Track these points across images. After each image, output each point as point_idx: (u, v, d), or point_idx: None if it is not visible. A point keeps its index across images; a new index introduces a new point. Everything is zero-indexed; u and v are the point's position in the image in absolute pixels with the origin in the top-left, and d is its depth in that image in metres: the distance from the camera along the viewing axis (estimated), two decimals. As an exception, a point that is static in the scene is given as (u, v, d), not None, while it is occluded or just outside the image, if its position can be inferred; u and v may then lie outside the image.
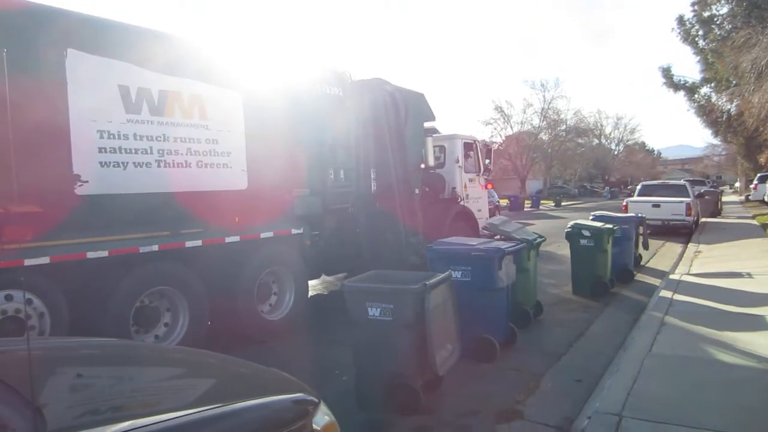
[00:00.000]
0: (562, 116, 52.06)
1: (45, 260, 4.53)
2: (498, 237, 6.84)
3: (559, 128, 52.09)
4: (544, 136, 51.65)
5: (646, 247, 10.93)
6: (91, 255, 4.82)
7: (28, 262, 4.43)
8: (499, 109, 49.65)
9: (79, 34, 4.87)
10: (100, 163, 4.90)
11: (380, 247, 8.11)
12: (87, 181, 4.80)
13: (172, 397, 2.31)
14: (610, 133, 67.93)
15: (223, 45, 6.49)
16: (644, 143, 75.78)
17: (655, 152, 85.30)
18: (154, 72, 5.30)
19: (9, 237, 4.40)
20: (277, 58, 7.02)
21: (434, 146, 10.06)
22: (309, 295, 7.50)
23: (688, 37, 24.05)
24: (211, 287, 5.85)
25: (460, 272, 5.51)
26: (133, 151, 5.12)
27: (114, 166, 4.98)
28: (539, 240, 7.01)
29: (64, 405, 2.00)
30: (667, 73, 27.72)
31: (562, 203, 42.63)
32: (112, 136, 4.96)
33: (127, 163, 5.08)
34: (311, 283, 7.94)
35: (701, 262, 11.26)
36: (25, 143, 4.44)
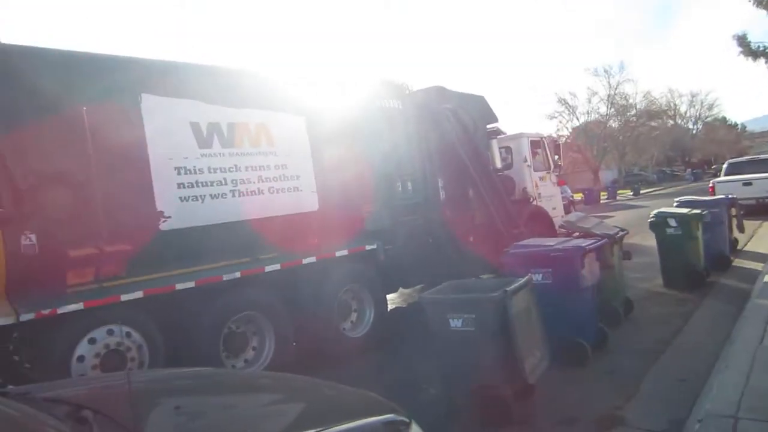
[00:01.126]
0: (630, 101, 49.75)
1: (139, 294, 4.77)
2: (577, 234, 6.59)
3: (628, 113, 49.78)
4: (614, 124, 49.50)
5: (741, 229, 10.17)
6: (179, 286, 5.04)
7: (124, 297, 4.69)
8: (563, 101, 48.15)
9: (151, 79, 5.16)
10: (180, 198, 5.14)
11: (455, 255, 8.01)
12: (170, 217, 5.04)
13: (265, 424, 2.34)
14: (685, 112, 64.18)
15: (284, 72, 6.67)
16: (725, 118, 70.92)
17: (739, 126, 79.72)
18: (221, 106, 5.51)
19: (106, 275, 4.69)
20: (334, 77, 7.14)
21: (500, 147, 9.87)
22: (389, 309, 7.50)
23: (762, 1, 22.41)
24: (293, 308, 5.97)
25: (541, 275, 5.32)
26: (209, 183, 5.33)
27: (192, 199, 5.21)
28: (621, 233, 6.68)
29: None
30: (743, 41, 25.84)
31: (641, 191, 40.53)
32: (188, 172, 5.20)
33: (204, 195, 5.29)
34: (390, 297, 7.95)
35: (806, 240, 10.36)
36: (113, 186, 4.73)
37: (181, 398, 2.56)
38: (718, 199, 10.12)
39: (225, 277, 5.36)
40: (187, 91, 5.32)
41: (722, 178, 17.39)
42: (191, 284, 5.11)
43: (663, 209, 8.50)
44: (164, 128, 5.10)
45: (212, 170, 5.36)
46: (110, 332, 4.69)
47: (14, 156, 4.31)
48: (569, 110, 48.40)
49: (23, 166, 4.34)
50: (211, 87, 5.52)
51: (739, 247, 10.63)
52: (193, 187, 5.22)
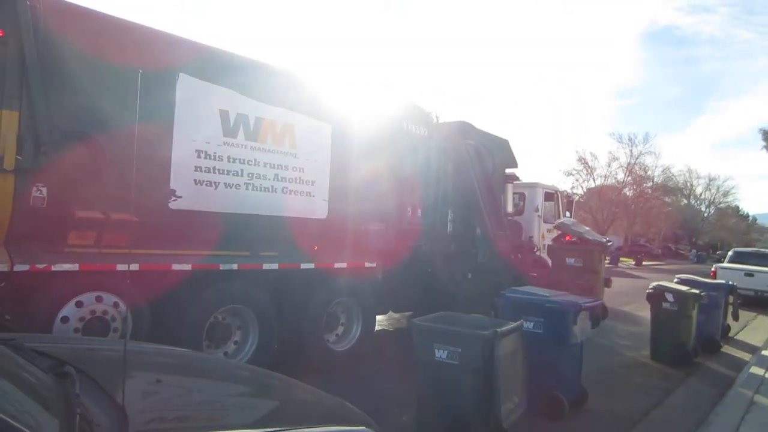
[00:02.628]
0: (649, 173, 50.05)
1: (135, 267, 4.78)
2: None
3: (645, 185, 50.00)
4: (629, 192, 49.71)
5: (735, 317, 10.12)
6: (176, 267, 5.05)
7: (120, 267, 4.70)
8: (583, 161, 48.46)
9: (191, 60, 5.25)
10: (195, 180, 5.19)
11: (452, 289, 8.01)
12: (181, 197, 5.08)
13: (235, 414, 2.35)
14: (700, 194, 64.52)
15: (319, 77, 6.77)
16: (738, 207, 71.13)
17: (750, 218, 79.77)
18: (254, 100, 5.60)
19: (106, 242, 4.71)
20: (368, 92, 7.24)
21: (514, 193, 9.94)
22: (375, 329, 7.48)
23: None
24: (281, 311, 5.96)
25: (533, 323, 5.33)
26: (226, 172, 5.38)
27: (207, 184, 5.26)
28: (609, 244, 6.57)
29: (138, 408, 2.08)
30: (767, 135, 26.14)
31: (644, 262, 40.53)
32: (208, 157, 5.26)
33: (219, 183, 5.34)
34: (378, 318, 7.93)
35: (799, 341, 10.30)
36: (132, 155, 4.77)
37: (164, 373, 2.57)
38: (718, 283, 10.12)
39: (222, 267, 5.38)
40: (223, 78, 5.40)
41: (726, 264, 17.38)
42: (187, 267, 5.13)
43: (662, 282, 8.51)
44: (194, 110, 5.17)
45: (231, 160, 5.42)
46: (99, 299, 4.68)
47: (41, 109, 4.36)
48: (588, 170, 48.69)
49: (49, 120, 4.39)
50: (247, 79, 5.61)
51: (730, 334, 10.59)
52: (209, 172, 5.27)
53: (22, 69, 4.28)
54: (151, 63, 4.93)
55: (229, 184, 5.41)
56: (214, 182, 5.31)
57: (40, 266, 4.33)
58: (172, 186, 5.03)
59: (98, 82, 4.66)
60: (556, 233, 11.42)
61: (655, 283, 8.43)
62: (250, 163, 5.57)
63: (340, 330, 6.81)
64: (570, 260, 9.73)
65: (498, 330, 4.08)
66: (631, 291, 17.79)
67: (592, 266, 5.61)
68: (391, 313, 8.99)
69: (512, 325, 4.40)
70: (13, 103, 4.26)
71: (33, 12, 4.33)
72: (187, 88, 5.11)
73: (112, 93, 4.70)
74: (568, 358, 5.41)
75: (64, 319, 4.49)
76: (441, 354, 4.19)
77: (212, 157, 5.28)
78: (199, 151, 5.20)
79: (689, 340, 8.02)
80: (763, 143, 26.31)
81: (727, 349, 9.47)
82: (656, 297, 8.15)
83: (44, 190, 4.38)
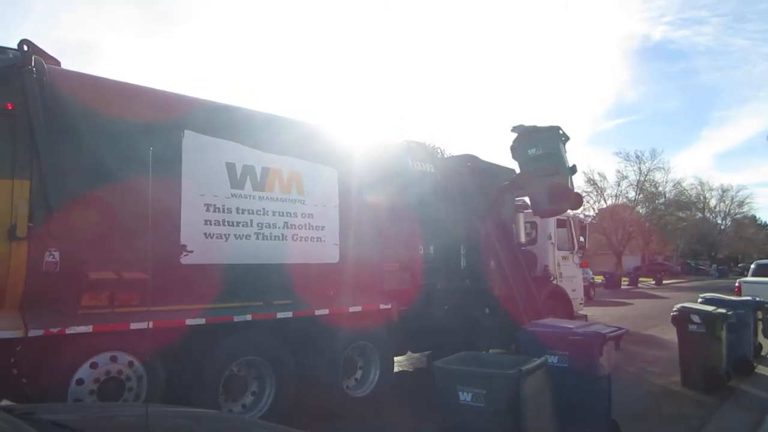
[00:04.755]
0: (660, 189, 49.70)
1: (148, 325, 4.73)
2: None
3: (657, 201, 49.58)
4: (641, 210, 49.28)
5: (766, 334, 9.84)
6: (189, 322, 5.01)
7: (133, 325, 4.67)
8: (592, 182, 48.28)
9: (195, 116, 5.33)
10: (205, 234, 5.19)
11: (470, 325, 7.88)
12: (192, 251, 5.08)
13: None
14: (715, 207, 63.68)
15: (323, 123, 6.84)
16: (755, 217, 70.02)
17: (768, 227, 78.50)
18: (259, 150, 5.65)
19: (120, 301, 4.70)
20: (372, 134, 7.29)
21: (526, 222, 9.85)
22: (395, 371, 7.33)
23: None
24: (297, 359, 5.87)
25: (557, 357, 5.17)
26: (235, 223, 5.39)
27: (217, 237, 5.26)
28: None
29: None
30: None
31: (664, 281, 39.81)
32: (217, 210, 5.27)
33: (229, 235, 5.34)
34: (397, 359, 7.78)
35: (834, 355, 9.93)
36: (142, 214, 4.79)
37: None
38: (745, 300, 9.83)
39: (236, 318, 5.32)
40: (228, 132, 5.47)
41: (749, 278, 16.94)
42: (201, 321, 5.09)
43: (686, 304, 8.27)
44: (201, 165, 5.22)
45: (240, 211, 5.43)
46: (113, 359, 4.65)
47: (51, 176, 4.43)
48: (597, 191, 48.46)
49: (59, 185, 4.46)
50: (252, 131, 5.69)
51: (763, 353, 10.24)
52: (219, 225, 5.28)
53: (31, 139, 4.38)
54: (156, 122, 5.02)
55: (239, 235, 5.41)
56: (224, 234, 5.30)
57: (55, 330, 4.32)
58: (183, 241, 5.03)
59: (105, 145, 4.75)
60: (571, 262, 11.26)
61: (679, 305, 8.19)
62: (258, 212, 5.57)
63: (358, 374, 6.68)
64: None
65: (522, 368, 3.96)
66: (654, 313, 17.44)
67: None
68: (410, 353, 8.84)
69: (537, 362, 4.27)
70: (24, 172, 4.35)
71: (40, 83, 4.45)
72: (193, 144, 5.17)
73: (120, 154, 4.78)
74: (596, 391, 5.22)
75: (79, 382, 4.46)
76: (465, 397, 4.07)
77: (221, 210, 5.30)
78: (207, 205, 5.21)
79: (721, 363, 7.74)
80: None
81: (761, 369, 9.12)
82: (682, 320, 7.92)
83: (56, 254, 4.41)
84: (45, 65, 4.62)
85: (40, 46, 4.76)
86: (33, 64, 4.48)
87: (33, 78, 4.42)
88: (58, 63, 5.04)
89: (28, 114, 4.37)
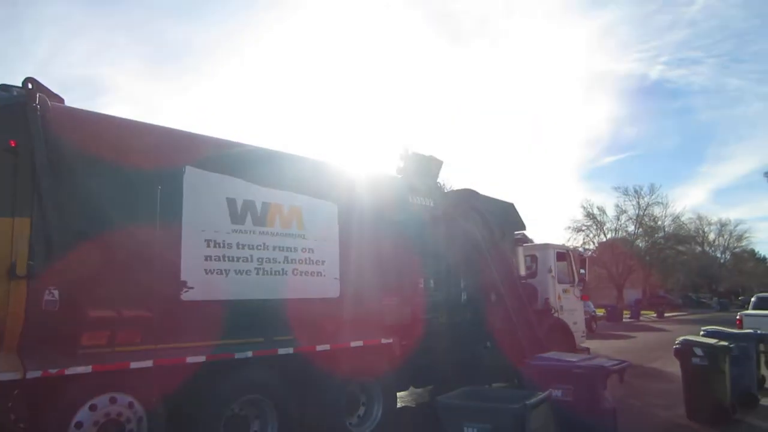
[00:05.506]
0: (659, 223, 49.85)
1: (148, 364, 4.68)
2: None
3: (656, 235, 49.67)
4: (641, 244, 49.31)
5: (769, 367, 9.74)
6: (190, 359, 4.95)
7: (133, 365, 4.61)
8: (591, 216, 48.43)
9: (196, 152, 5.39)
10: (205, 270, 5.18)
11: (471, 359, 7.80)
12: (192, 288, 5.06)
13: None
14: (713, 241, 63.86)
15: (323, 159, 6.91)
16: (754, 250, 70.08)
17: (768, 260, 78.42)
18: (259, 185, 5.70)
19: (120, 340, 4.64)
20: (372, 169, 7.36)
21: (526, 255, 9.87)
22: (397, 407, 7.22)
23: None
24: (299, 395, 5.78)
25: (561, 391, 5.12)
26: (236, 259, 5.39)
27: (217, 273, 5.25)
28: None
29: None
30: (772, 177, 26.10)
31: (666, 314, 39.58)
32: (217, 245, 5.28)
33: (229, 270, 5.33)
34: (399, 394, 7.67)
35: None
36: (142, 251, 4.81)
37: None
38: (747, 333, 9.78)
39: (237, 356, 5.26)
40: (229, 168, 5.52)
41: (750, 311, 16.84)
42: (202, 359, 5.02)
43: (689, 337, 8.22)
44: (201, 201, 5.26)
45: (240, 246, 5.44)
46: (113, 400, 4.56)
47: (52, 214, 4.42)
48: (597, 225, 48.57)
49: (60, 223, 4.45)
50: (253, 167, 5.74)
51: (766, 386, 10.12)
52: (219, 260, 5.28)
53: (33, 176, 4.39)
54: (158, 159, 5.07)
55: (239, 270, 5.41)
56: (225, 270, 5.30)
57: (53, 371, 4.24)
58: (183, 278, 5.02)
59: (107, 183, 4.77)
60: (572, 295, 11.22)
61: (681, 338, 8.13)
62: (259, 248, 5.58)
63: (361, 411, 6.58)
64: None
65: (527, 402, 3.92)
66: (657, 345, 17.30)
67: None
68: (412, 388, 8.72)
69: (541, 395, 4.23)
70: (24, 210, 4.34)
71: (44, 121, 4.49)
72: (193, 181, 5.22)
73: (120, 191, 4.81)
74: (602, 424, 5.15)
75: (78, 425, 4.37)
76: (470, 432, 4.00)
77: (221, 245, 5.31)
78: (208, 241, 5.23)
79: (725, 396, 7.65)
80: (769, 185, 26.13)
81: (765, 401, 9.01)
82: (684, 353, 7.85)
83: (56, 292, 4.38)
84: (49, 103, 4.67)
85: (44, 83, 4.83)
86: (37, 102, 4.53)
87: (36, 115, 4.46)
88: (61, 100, 5.11)
89: (30, 151, 4.39)
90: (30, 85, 4.57)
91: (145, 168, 4.97)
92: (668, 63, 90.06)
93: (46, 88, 4.84)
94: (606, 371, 5.16)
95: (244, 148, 5.98)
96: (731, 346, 7.94)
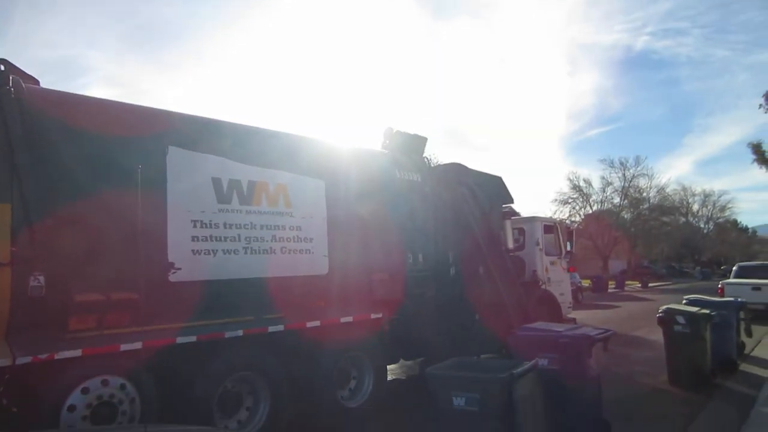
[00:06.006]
0: (644, 194, 50.38)
1: (138, 345, 4.69)
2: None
3: (641, 207, 50.23)
4: (626, 215, 49.87)
5: (749, 334, 10.00)
6: (180, 340, 4.96)
7: (123, 347, 4.61)
8: (577, 188, 48.80)
9: (179, 132, 5.34)
10: (193, 251, 5.17)
11: (460, 331, 7.91)
12: (180, 269, 5.06)
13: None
14: (697, 211, 64.75)
15: (309, 135, 6.87)
16: (737, 221, 71.19)
17: (750, 230, 79.73)
18: (245, 164, 5.67)
19: (108, 323, 4.64)
20: (358, 145, 7.33)
21: (513, 228, 9.94)
22: (388, 380, 7.33)
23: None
24: (291, 371, 5.84)
25: (547, 360, 5.22)
26: (223, 238, 5.38)
27: (205, 253, 5.25)
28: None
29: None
30: (757, 149, 26.39)
31: (650, 284, 40.31)
32: (204, 225, 5.27)
33: (217, 250, 5.33)
34: (390, 367, 7.79)
35: (816, 350, 10.11)
36: (128, 233, 4.78)
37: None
38: (727, 301, 10.01)
39: (227, 335, 5.28)
40: (213, 146, 5.48)
41: (732, 280, 17.20)
42: (192, 338, 5.03)
43: (672, 306, 8.40)
44: (186, 181, 5.22)
45: (228, 226, 5.43)
46: (105, 383, 4.56)
47: (33, 198, 4.37)
48: (583, 198, 48.97)
49: (41, 207, 4.40)
50: (237, 145, 5.70)
51: (746, 352, 10.39)
52: (207, 240, 5.27)
53: (11, 161, 4.32)
54: (139, 139, 5.01)
55: (227, 250, 5.40)
56: (212, 250, 5.30)
57: (43, 356, 4.23)
58: (171, 259, 5.01)
59: (88, 164, 4.71)
60: (559, 267, 11.36)
61: (664, 307, 8.32)
62: (246, 227, 5.57)
63: (352, 384, 6.66)
64: None
65: (514, 372, 4.01)
66: (641, 315, 17.63)
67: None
68: (402, 361, 8.85)
69: (528, 365, 4.32)
70: (4, 196, 4.28)
71: (19, 104, 4.41)
72: (177, 160, 5.17)
73: (103, 173, 4.76)
74: (587, 392, 5.28)
75: (71, 408, 4.37)
76: (459, 402, 4.10)
77: (208, 226, 5.29)
78: (194, 221, 5.21)
79: (706, 362, 7.87)
80: (753, 156, 26.46)
81: (744, 366, 9.26)
82: (667, 321, 8.04)
83: (41, 278, 4.33)
84: (23, 85, 4.57)
85: (18, 65, 4.73)
86: (11, 84, 4.44)
87: (11, 98, 4.38)
88: (36, 82, 4.99)
89: (7, 135, 4.31)
90: (2, 67, 4.47)
91: (127, 149, 4.91)
92: (654, 34, 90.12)
93: (20, 70, 4.73)
94: (591, 340, 5.27)
95: (228, 126, 5.92)
96: (712, 313, 8.15)
